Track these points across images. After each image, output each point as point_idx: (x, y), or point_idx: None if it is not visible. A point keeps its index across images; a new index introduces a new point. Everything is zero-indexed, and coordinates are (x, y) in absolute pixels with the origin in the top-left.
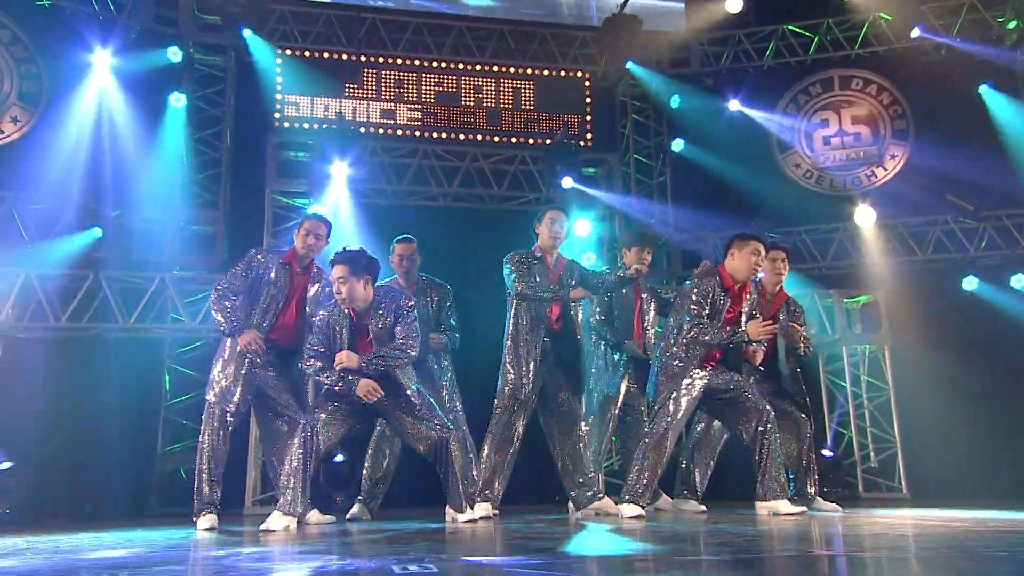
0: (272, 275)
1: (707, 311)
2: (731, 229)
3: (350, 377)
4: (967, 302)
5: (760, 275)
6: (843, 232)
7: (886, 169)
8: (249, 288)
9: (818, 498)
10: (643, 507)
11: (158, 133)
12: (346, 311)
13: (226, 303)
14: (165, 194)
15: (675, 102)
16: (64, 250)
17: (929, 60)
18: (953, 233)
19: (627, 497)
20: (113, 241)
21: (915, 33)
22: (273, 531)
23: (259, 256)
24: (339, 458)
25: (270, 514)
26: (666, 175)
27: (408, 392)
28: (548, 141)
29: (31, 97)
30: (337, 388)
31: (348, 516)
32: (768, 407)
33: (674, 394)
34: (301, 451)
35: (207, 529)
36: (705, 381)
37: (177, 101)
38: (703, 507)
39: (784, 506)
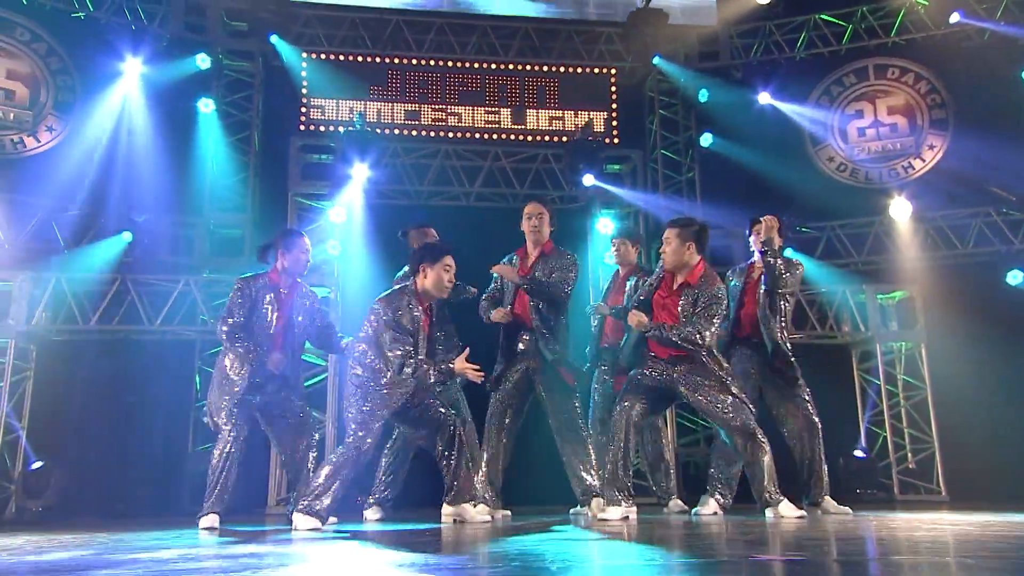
0: (263, 302)
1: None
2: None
3: (446, 367)
4: (1011, 297)
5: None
6: (878, 226)
7: (924, 160)
8: (248, 319)
9: (827, 498)
10: (622, 506)
11: (188, 138)
12: (424, 306)
13: (242, 344)
14: (195, 198)
15: (703, 96)
16: (97, 255)
17: (970, 45)
18: (996, 225)
19: (620, 500)
20: (143, 245)
21: (954, 18)
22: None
23: (247, 285)
24: None
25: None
26: (695, 171)
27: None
28: (566, 139)
29: (65, 106)
30: (443, 380)
31: (371, 517)
32: (746, 421)
33: (625, 387)
34: (347, 471)
35: (207, 529)
36: (641, 377)
37: (206, 107)
38: (685, 506)
39: (785, 508)
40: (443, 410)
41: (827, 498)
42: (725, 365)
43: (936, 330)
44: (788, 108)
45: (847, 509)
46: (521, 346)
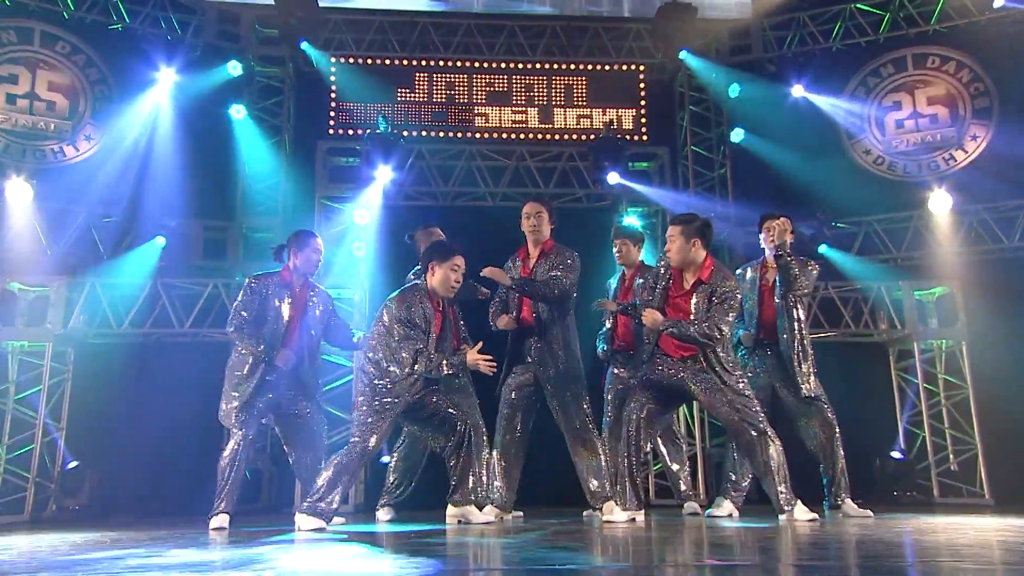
0: (275, 300)
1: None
2: (795, 221)
3: (458, 359)
4: None
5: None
6: (917, 220)
7: (966, 152)
8: (258, 316)
9: (848, 501)
10: (627, 508)
11: (221, 144)
12: (435, 303)
13: (250, 338)
14: (228, 202)
15: (734, 91)
16: (135, 261)
17: (1016, 31)
18: None
19: (616, 501)
20: (176, 249)
21: (998, 2)
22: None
23: (259, 283)
24: (385, 459)
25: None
26: (726, 167)
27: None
28: (593, 138)
29: (103, 115)
30: (456, 372)
31: (382, 518)
32: (758, 422)
33: (634, 386)
34: (351, 470)
35: (217, 528)
36: (651, 375)
37: (238, 113)
38: (700, 510)
39: (799, 511)
40: (451, 411)
41: (848, 501)
42: (734, 363)
43: (978, 327)
44: (823, 101)
45: (868, 512)
46: (528, 350)
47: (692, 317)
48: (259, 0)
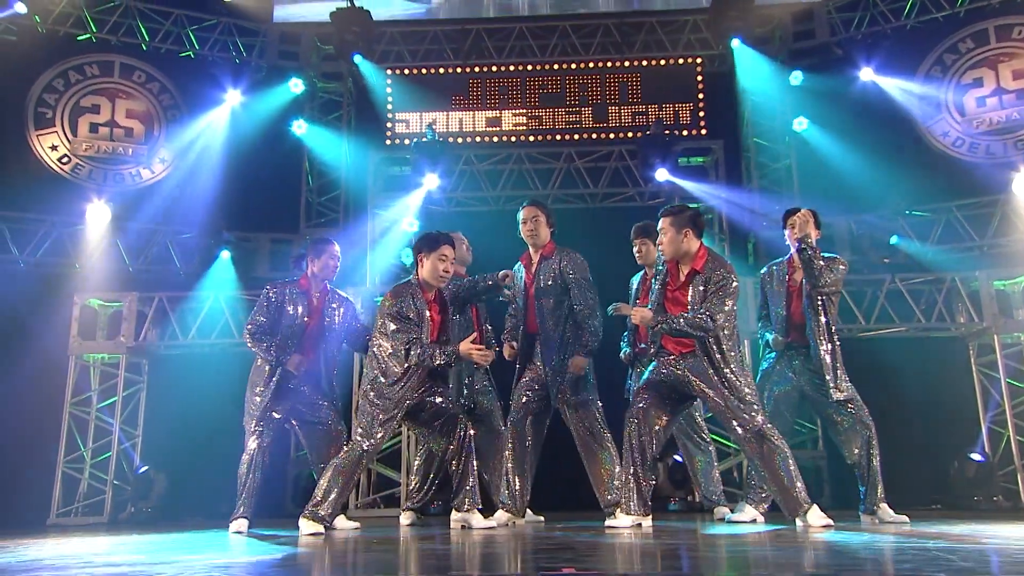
0: (292, 306)
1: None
2: (866, 212)
3: (451, 349)
4: None
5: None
6: (1005, 204)
7: None
8: (273, 322)
9: (883, 506)
10: (632, 513)
11: (284, 159)
12: (427, 296)
13: (263, 342)
14: (291, 215)
15: (796, 79)
16: (208, 274)
17: None
18: None
19: (621, 508)
20: (244, 262)
21: None
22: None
23: (275, 290)
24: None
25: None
26: (791, 158)
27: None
28: (638, 135)
29: (175, 138)
30: (449, 362)
31: (403, 522)
32: (754, 421)
33: (638, 387)
34: (348, 473)
35: (236, 532)
36: (653, 375)
37: (299, 128)
38: (728, 511)
39: (813, 516)
40: (453, 413)
41: (883, 505)
42: (736, 358)
43: None
44: (894, 83)
45: (904, 518)
46: (535, 356)
47: (689, 309)
48: (319, 18)
